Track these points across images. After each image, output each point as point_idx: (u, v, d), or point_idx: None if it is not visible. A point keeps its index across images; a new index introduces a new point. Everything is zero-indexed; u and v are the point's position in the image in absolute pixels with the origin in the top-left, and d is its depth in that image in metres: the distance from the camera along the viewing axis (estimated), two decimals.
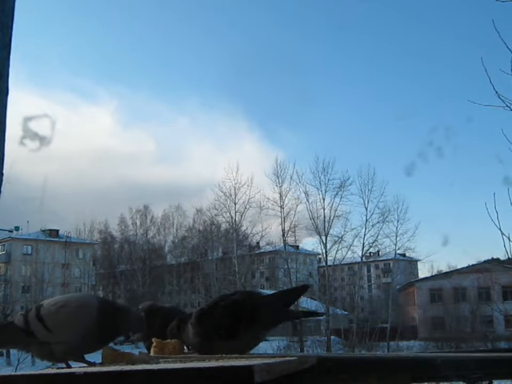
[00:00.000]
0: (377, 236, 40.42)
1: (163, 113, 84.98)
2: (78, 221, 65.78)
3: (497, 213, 4.97)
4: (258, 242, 50.89)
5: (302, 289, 2.17)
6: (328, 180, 39.74)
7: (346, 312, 49.57)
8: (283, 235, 40.35)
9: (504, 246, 5.40)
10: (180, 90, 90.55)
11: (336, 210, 39.76)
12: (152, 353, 1.98)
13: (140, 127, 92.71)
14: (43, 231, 58.58)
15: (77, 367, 1.66)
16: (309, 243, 72.08)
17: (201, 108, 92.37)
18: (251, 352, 2.03)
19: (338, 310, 47.29)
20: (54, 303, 1.77)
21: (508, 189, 5.14)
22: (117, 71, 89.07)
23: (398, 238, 40.59)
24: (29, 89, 64.89)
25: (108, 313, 1.74)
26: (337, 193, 39.91)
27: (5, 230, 59.93)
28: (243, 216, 41.87)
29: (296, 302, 2.21)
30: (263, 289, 59.84)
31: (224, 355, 1.75)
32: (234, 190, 40.90)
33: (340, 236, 39.92)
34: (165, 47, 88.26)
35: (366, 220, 39.83)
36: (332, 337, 39.00)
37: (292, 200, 39.99)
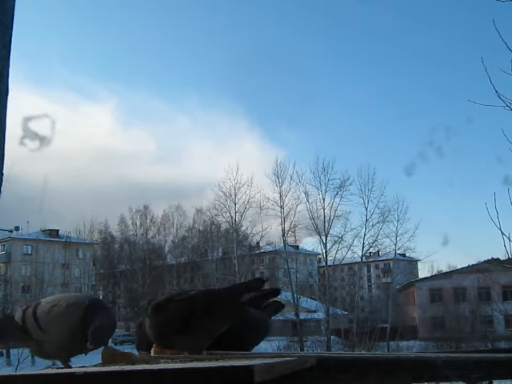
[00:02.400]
0: (377, 236, 40.48)
1: (163, 112, 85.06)
2: (78, 221, 65.86)
3: (497, 212, 4.97)
4: (258, 242, 50.90)
5: (257, 282, 2.02)
6: (328, 180, 39.79)
7: (346, 312, 49.57)
8: (283, 235, 40.38)
9: (504, 246, 5.40)
10: (179, 89, 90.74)
11: (336, 210, 39.82)
12: (152, 353, 1.98)
13: (140, 126, 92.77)
14: (43, 231, 58.61)
15: (77, 367, 1.66)
16: (309, 243, 71.88)
17: (201, 107, 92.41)
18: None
19: (338, 310, 47.28)
20: (48, 302, 1.77)
21: (508, 189, 5.14)
22: (116, 69, 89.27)
23: (398, 238, 40.65)
24: (28, 88, 65.00)
25: (97, 314, 1.73)
26: (337, 193, 39.96)
27: (5, 230, 59.94)
28: (243, 216, 41.89)
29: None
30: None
31: (224, 355, 1.75)
32: (234, 190, 40.92)
33: (340, 236, 39.99)
34: (164, 45, 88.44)
35: (366, 220, 39.89)
36: (332, 337, 38.99)
37: (292, 200, 40.02)
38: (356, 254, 42.18)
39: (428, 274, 58.87)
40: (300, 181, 40.14)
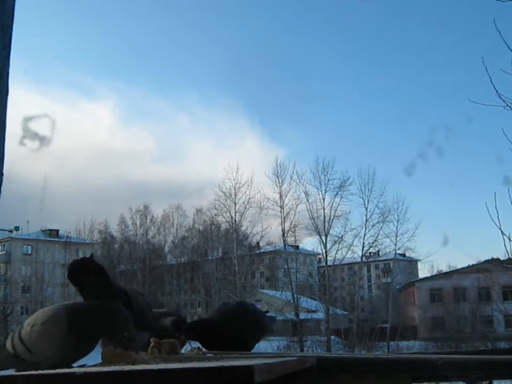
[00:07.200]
0: (377, 236, 40.42)
1: (162, 110, 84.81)
2: (78, 221, 65.76)
3: (497, 212, 4.97)
4: (258, 242, 50.90)
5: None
6: (328, 180, 39.74)
7: (346, 312, 49.56)
8: (283, 235, 40.34)
9: (504, 246, 5.41)
10: (179, 87, 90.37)
11: (336, 210, 39.79)
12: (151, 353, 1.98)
13: (139, 124, 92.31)
14: (43, 231, 58.59)
15: (77, 367, 1.66)
16: (309, 243, 71.74)
17: (201, 105, 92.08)
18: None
19: (338, 310, 47.27)
20: (28, 323, 1.77)
21: (508, 189, 5.14)
22: (115, 67, 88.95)
23: (398, 238, 40.57)
24: (27, 86, 64.84)
25: (81, 319, 1.73)
26: (337, 193, 39.92)
27: (5, 230, 59.90)
28: (243, 216, 41.86)
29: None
30: (263, 289, 59.93)
31: (224, 355, 1.75)
32: (234, 190, 40.90)
33: (340, 236, 39.94)
34: (164, 42, 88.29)
35: (366, 220, 39.84)
36: (332, 337, 38.97)
37: (292, 200, 39.97)
38: (356, 254, 42.20)
39: (428, 274, 58.85)
40: (299, 181, 40.12)
